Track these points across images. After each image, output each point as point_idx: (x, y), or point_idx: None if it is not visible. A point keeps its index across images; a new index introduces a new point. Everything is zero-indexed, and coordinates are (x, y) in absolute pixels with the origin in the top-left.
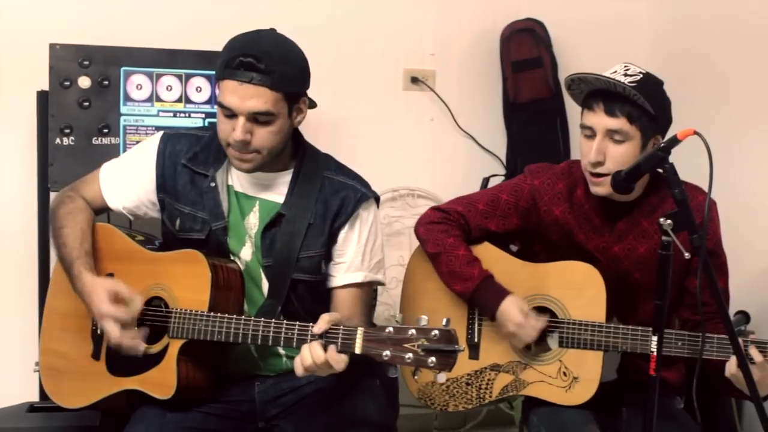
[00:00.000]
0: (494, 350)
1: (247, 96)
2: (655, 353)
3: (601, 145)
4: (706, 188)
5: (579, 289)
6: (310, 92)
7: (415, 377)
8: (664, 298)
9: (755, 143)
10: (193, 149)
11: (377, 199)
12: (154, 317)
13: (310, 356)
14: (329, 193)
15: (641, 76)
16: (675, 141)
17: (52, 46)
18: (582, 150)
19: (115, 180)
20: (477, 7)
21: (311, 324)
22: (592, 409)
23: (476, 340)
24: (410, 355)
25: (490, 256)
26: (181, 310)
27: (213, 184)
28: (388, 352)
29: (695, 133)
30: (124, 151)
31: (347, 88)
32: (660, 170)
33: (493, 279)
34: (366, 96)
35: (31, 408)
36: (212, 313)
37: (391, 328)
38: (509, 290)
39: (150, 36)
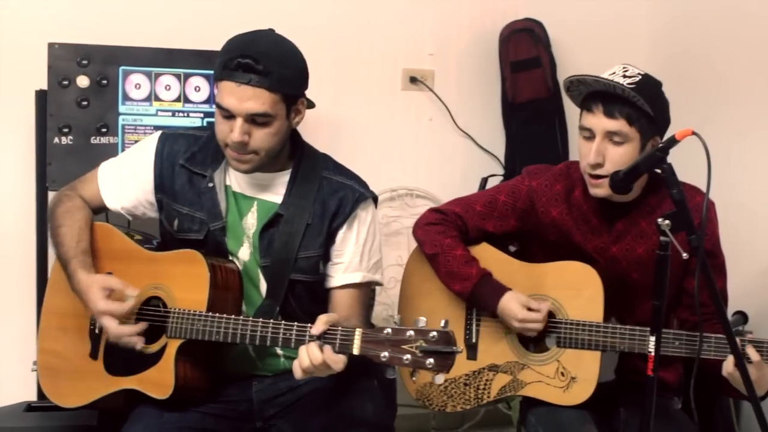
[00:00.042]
0: (492, 351)
1: (245, 97)
2: (652, 353)
3: (600, 147)
4: (704, 189)
5: (577, 289)
6: (309, 92)
7: (414, 378)
8: (662, 298)
9: (754, 143)
10: (191, 149)
11: (375, 199)
12: (153, 317)
13: (308, 358)
14: (327, 194)
15: (640, 77)
16: (673, 141)
17: (50, 46)
18: (581, 151)
19: (113, 180)
20: (476, 7)
21: (309, 324)
22: (590, 410)
23: (474, 340)
24: (408, 356)
25: (488, 257)
26: (179, 310)
27: (211, 185)
28: (386, 354)
29: (693, 133)
30: (123, 150)
31: (346, 87)
32: (658, 170)
33: (491, 276)
34: (365, 96)
35: (29, 407)
36: (210, 314)
37: (389, 330)
38: (508, 287)
39: (149, 35)
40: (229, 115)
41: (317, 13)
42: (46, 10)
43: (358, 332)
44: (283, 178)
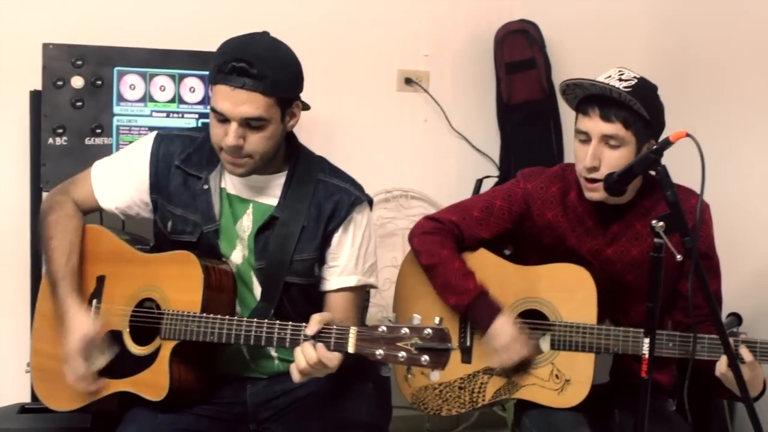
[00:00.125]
0: (487, 354)
1: (240, 101)
2: (646, 355)
3: (596, 150)
4: (699, 190)
5: (570, 291)
6: (304, 93)
7: (409, 375)
8: (656, 300)
9: (750, 145)
10: (186, 150)
11: (371, 202)
12: (146, 319)
13: (303, 358)
14: (323, 197)
15: (636, 81)
16: (667, 143)
17: (45, 46)
18: (577, 155)
19: (107, 179)
20: (471, 9)
21: (304, 324)
22: (585, 412)
23: (469, 344)
24: (403, 353)
25: (483, 261)
26: (173, 311)
27: (206, 187)
28: (381, 351)
29: (688, 135)
30: (117, 151)
31: (341, 89)
32: (652, 172)
33: (488, 295)
34: (360, 97)
35: (23, 409)
36: (204, 314)
37: (384, 327)
38: (502, 307)
39: (143, 36)
40: (224, 119)
41: (312, 14)
42: (41, 10)
43: (353, 330)
44: (279, 181)
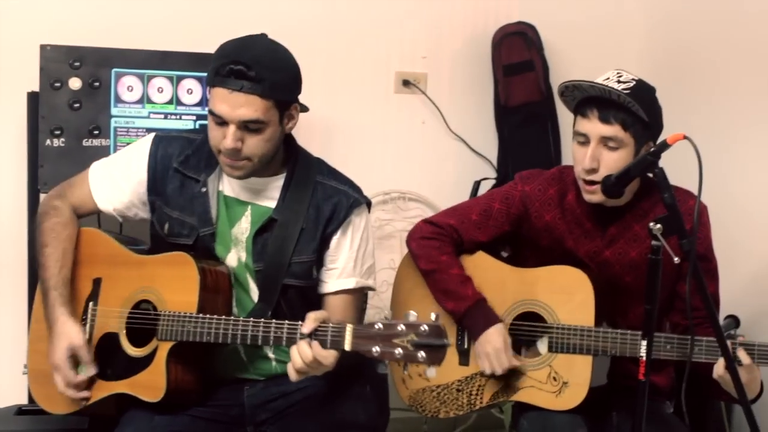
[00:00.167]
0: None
1: (238, 104)
2: (644, 358)
3: (595, 152)
4: (696, 192)
5: (568, 293)
6: (302, 95)
7: (405, 372)
8: (654, 302)
9: (748, 146)
10: (184, 152)
11: (369, 204)
12: (143, 320)
13: (299, 357)
14: (321, 199)
15: (634, 83)
16: (665, 146)
17: (42, 47)
18: (575, 157)
19: (105, 180)
20: (468, 11)
21: (300, 322)
22: (582, 414)
23: (466, 346)
24: (400, 350)
25: (481, 264)
26: (169, 312)
27: (204, 190)
28: (377, 348)
29: (685, 137)
30: (115, 152)
31: (339, 91)
32: (650, 174)
33: (485, 302)
34: (358, 99)
35: (20, 411)
36: (201, 315)
37: (380, 324)
38: (500, 318)
39: (141, 37)
40: (222, 122)
41: (310, 16)
42: (38, 11)
43: (349, 328)
44: (277, 183)
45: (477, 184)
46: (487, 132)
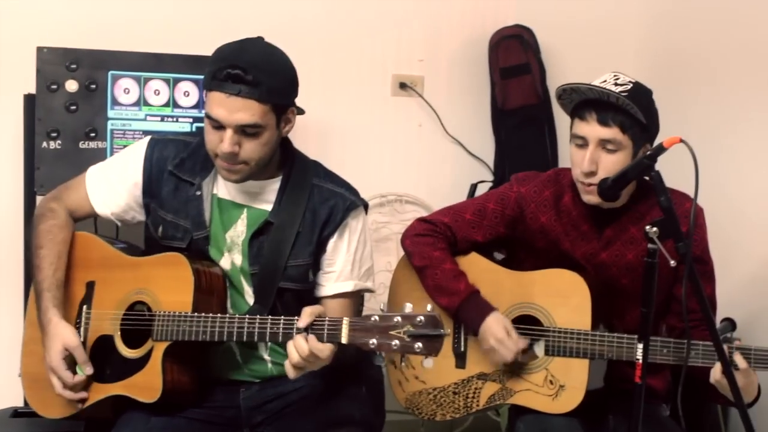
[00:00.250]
0: (481, 359)
1: (235, 108)
2: (640, 361)
3: (593, 155)
4: (692, 194)
5: (564, 296)
6: (299, 98)
7: (403, 364)
8: (650, 305)
9: (744, 148)
10: (180, 155)
11: (366, 207)
12: (137, 321)
13: (296, 352)
14: (318, 202)
15: (631, 85)
16: (661, 149)
17: (39, 50)
18: (574, 159)
19: (102, 184)
20: (465, 14)
21: (296, 318)
22: (579, 417)
23: (463, 349)
24: (396, 342)
25: (476, 266)
26: (164, 312)
27: (198, 193)
28: (374, 340)
29: (681, 141)
30: (112, 155)
31: (336, 93)
32: (646, 178)
33: (478, 294)
34: (354, 102)
35: (15, 413)
36: (196, 314)
37: (376, 317)
38: (494, 306)
39: (138, 40)
40: (219, 126)
41: (307, 18)
42: (35, 14)
43: (345, 321)
44: (274, 186)
45: (474, 187)
46: (484, 135)
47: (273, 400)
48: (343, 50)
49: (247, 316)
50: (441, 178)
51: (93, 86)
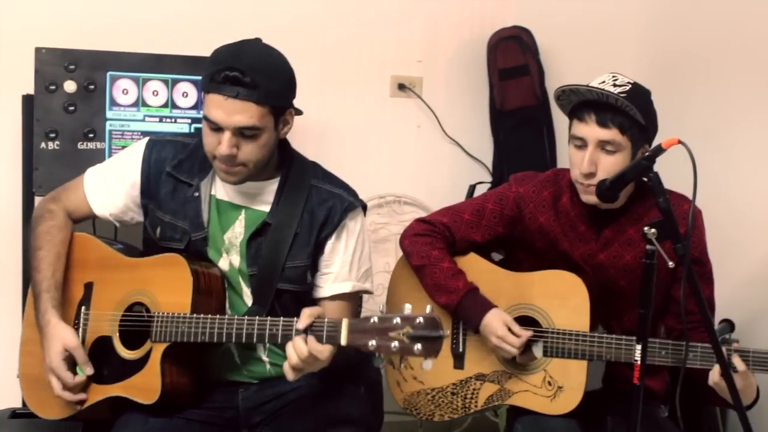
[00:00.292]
0: (479, 360)
1: (233, 111)
2: (639, 362)
3: (593, 156)
4: (691, 195)
5: (563, 298)
6: (297, 98)
7: (402, 365)
8: (648, 306)
9: (743, 148)
10: (178, 157)
11: (364, 208)
12: (136, 322)
13: (295, 353)
14: (316, 203)
15: (630, 86)
16: (659, 150)
17: (37, 50)
18: (573, 160)
19: (100, 186)
20: (464, 15)
21: (295, 318)
22: (577, 418)
23: (461, 350)
24: (396, 343)
25: (475, 266)
26: (163, 314)
27: (196, 194)
28: (373, 342)
29: (680, 142)
30: (110, 156)
31: (334, 94)
32: (645, 179)
33: (477, 291)
34: (353, 102)
35: (14, 414)
36: (195, 315)
37: (375, 318)
38: (493, 303)
39: (136, 41)
40: (217, 128)
41: (305, 19)
42: (34, 14)
43: (344, 322)
44: (272, 187)
45: (472, 188)
46: (483, 136)
47: (271, 401)
48: (342, 51)
49: (246, 317)
50: (439, 179)
51: (91, 87)
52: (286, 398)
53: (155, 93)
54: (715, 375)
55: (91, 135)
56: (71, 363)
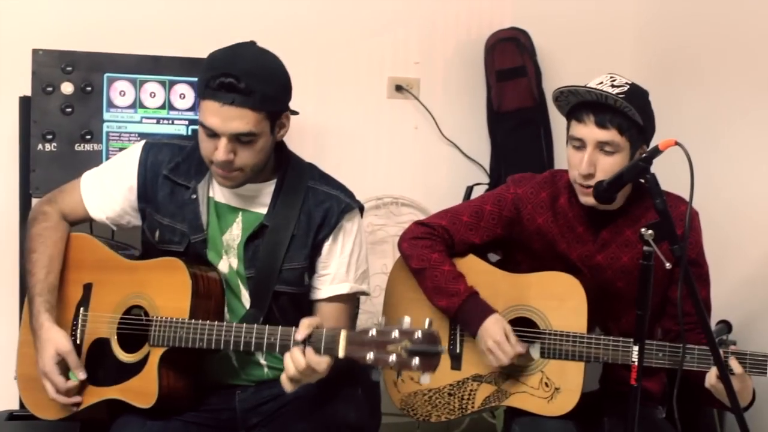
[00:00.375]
0: (476, 361)
1: (229, 118)
2: (636, 364)
3: (592, 157)
4: (688, 196)
5: (560, 299)
6: (294, 100)
7: (399, 380)
8: (646, 308)
9: (740, 149)
10: (175, 160)
11: (361, 209)
12: (134, 326)
13: (292, 365)
14: (313, 204)
15: (628, 87)
16: (657, 152)
17: (35, 52)
18: (571, 161)
19: (96, 189)
20: (461, 16)
21: (294, 328)
22: (574, 420)
23: (458, 350)
24: (394, 357)
25: (473, 268)
26: (161, 318)
27: (194, 196)
28: (371, 355)
29: (676, 143)
30: (107, 157)
31: (332, 95)
32: (642, 180)
33: (478, 296)
34: (350, 104)
35: (11, 416)
36: (193, 321)
37: (374, 331)
38: (494, 308)
39: (133, 42)
40: (213, 134)
41: (303, 21)
42: (31, 16)
43: (342, 334)
44: (269, 189)
45: (470, 189)
46: (480, 137)
47: (268, 402)
48: (339, 52)
49: (245, 325)
50: (437, 180)
51: (88, 88)
52: (284, 400)
53: (152, 94)
54: (712, 377)
55: (88, 136)
56: (65, 367)
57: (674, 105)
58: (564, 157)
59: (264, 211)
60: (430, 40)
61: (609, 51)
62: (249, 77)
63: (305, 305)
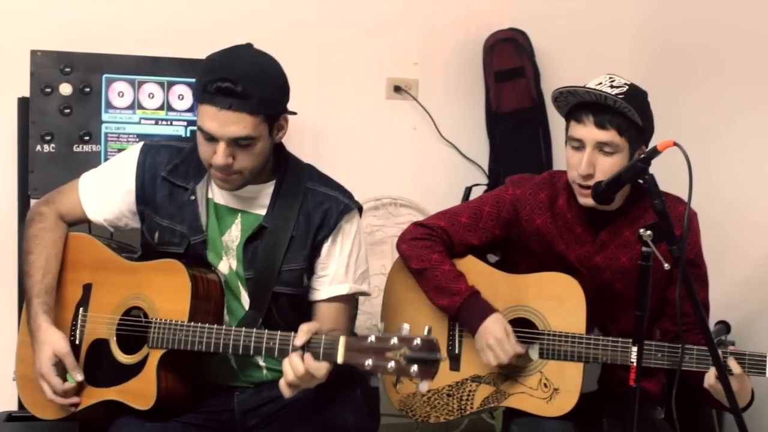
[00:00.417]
0: (475, 362)
1: (227, 122)
2: (634, 364)
3: (591, 158)
4: (686, 197)
5: (559, 300)
6: (293, 101)
7: (397, 386)
8: (644, 308)
9: (738, 149)
10: (173, 161)
11: (360, 210)
12: (134, 327)
13: (291, 371)
14: (312, 205)
15: (627, 87)
16: (655, 152)
17: (33, 53)
18: (570, 162)
19: (94, 191)
20: (460, 17)
21: (293, 333)
22: (573, 420)
23: (457, 351)
24: (392, 364)
25: (472, 269)
26: (161, 320)
27: (193, 198)
28: (370, 362)
29: (675, 144)
30: (106, 158)
31: (330, 96)
32: (640, 181)
33: (479, 295)
34: (349, 105)
35: (10, 417)
36: (193, 323)
37: (373, 338)
38: (495, 308)
39: (132, 43)
40: (212, 138)
41: (301, 22)
42: (29, 17)
43: (341, 340)
44: (268, 190)
45: (468, 190)
46: (479, 138)
47: (267, 404)
48: (338, 53)
49: (244, 328)
50: (435, 181)
51: (87, 89)
52: (282, 401)
53: (151, 95)
54: (710, 378)
55: (86, 138)
56: (62, 368)
57: (673, 105)
58: (563, 158)
59: (263, 212)
60: (429, 41)
61: (607, 51)
62: (246, 81)
63: (304, 306)
